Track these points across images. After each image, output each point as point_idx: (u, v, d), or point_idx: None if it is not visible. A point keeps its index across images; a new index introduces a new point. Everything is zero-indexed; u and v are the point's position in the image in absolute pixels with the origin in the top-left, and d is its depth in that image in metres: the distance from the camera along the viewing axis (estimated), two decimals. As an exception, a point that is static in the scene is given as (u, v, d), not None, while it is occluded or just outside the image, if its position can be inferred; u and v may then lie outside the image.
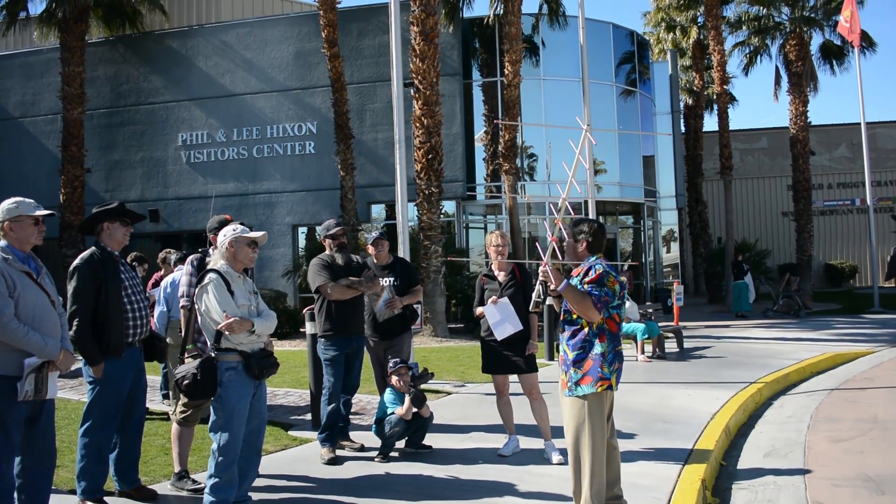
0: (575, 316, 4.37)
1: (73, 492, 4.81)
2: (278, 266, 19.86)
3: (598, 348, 4.30)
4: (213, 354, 4.49)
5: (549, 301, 4.47)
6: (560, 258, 4.57)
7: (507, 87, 17.45)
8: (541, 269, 4.39)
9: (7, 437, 3.93)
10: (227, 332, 4.38)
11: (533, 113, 20.77)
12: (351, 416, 6.56)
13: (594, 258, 4.46)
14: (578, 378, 4.30)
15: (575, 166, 4.87)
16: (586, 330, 4.34)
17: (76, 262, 4.72)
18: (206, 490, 4.44)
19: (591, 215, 12.67)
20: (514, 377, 6.03)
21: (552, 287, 4.32)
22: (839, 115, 72.79)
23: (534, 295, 4.46)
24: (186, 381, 4.44)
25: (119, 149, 21.80)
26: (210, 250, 5.27)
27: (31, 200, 4.23)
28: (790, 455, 6.24)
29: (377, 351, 6.51)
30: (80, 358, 4.66)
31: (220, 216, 5.47)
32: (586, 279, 4.33)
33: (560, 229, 4.75)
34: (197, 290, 4.57)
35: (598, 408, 4.29)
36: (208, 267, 4.63)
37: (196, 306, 4.60)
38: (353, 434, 6.40)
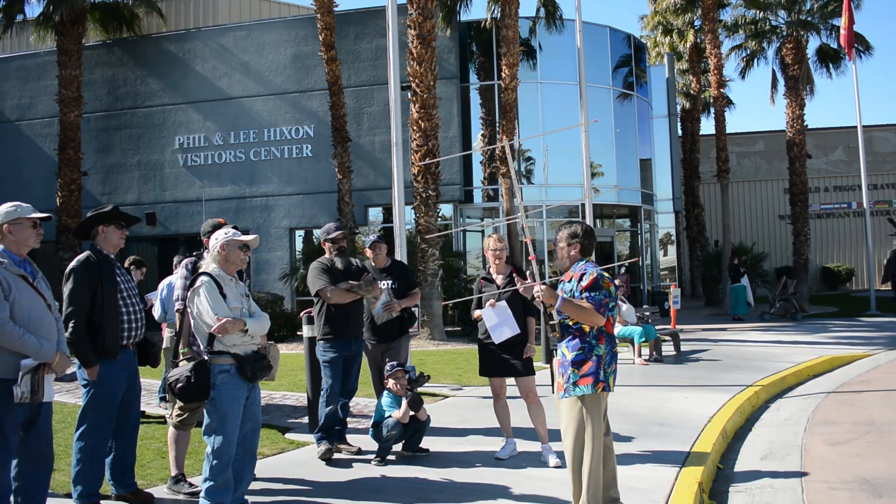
0: (573, 322, 4.37)
1: (69, 495, 4.80)
2: (275, 269, 19.86)
3: (598, 350, 4.32)
4: (206, 357, 4.49)
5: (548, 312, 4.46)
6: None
7: (505, 91, 17.48)
8: (535, 291, 4.38)
9: (4, 441, 3.93)
10: (219, 335, 4.38)
11: (530, 116, 20.80)
12: (348, 420, 6.56)
13: (584, 261, 4.46)
14: (577, 379, 4.30)
15: (515, 180, 4.92)
16: (587, 331, 4.35)
17: (72, 264, 4.73)
18: (202, 493, 4.43)
19: (588, 219, 12.67)
20: (511, 380, 6.03)
21: (549, 307, 4.33)
22: (836, 119, 73.25)
23: (544, 318, 4.47)
24: (180, 385, 4.43)
25: (116, 152, 21.79)
26: (204, 253, 5.27)
27: (28, 205, 4.28)
28: (787, 458, 6.24)
29: (375, 354, 6.50)
30: (76, 361, 4.66)
31: (213, 220, 5.48)
32: (582, 284, 4.33)
33: (530, 249, 4.80)
34: (189, 293, 4.57)
35: (595, 409, 4.30)
36: (200, 270, 4.63)
37: (188, 309, 4.61)
38: (350, 437, 6.39)
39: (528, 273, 4.71)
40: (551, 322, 4.40)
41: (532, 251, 4.78)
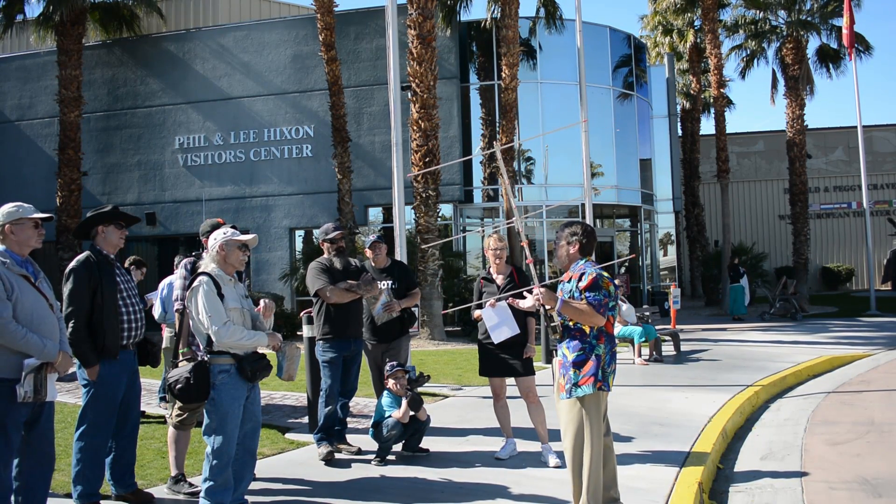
0: (573, 323, 4.37)
1: (69, 495, 4.80)
2: (275, 269, 19.86)
3: (598, 350, 4.33)
4: (205, 358, 4.49)
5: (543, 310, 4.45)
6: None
7: (505, 91, 17.47)
8: (534, 294, 4.38)
9: (6, 440, 3.93)
10: (267, 316, 4.70)
11: (530, 116, 20.80)
12: (348, 420, 6.56)
13: (584, 261, 4.46)
14: (578, 379, 4.30)
15: (506, 188, 4.91)
16: (587, 332, 4.35)
17: (72, 264, 4.73)
18: (202, 493, 4.43)
19: (588, 219, 12.67)
20: (511, 380, 6.03)
21: (549, 309, 4.34)
22: (836, 119, 73.23)
23: (545, 320, 4.47)
24: (179, 385, 4.44)
25: (116, 152, 21.79)
26: (203, 254, 5.28)
27: (30, 205, 4.29)
28: (787, 458, 6.24)
29: (375, 354, 6.50)
30: (76, 361, 4.66)
31: (212, 219, 5.48)
32: (581, 284, 4.33)
33: (527, 252, 4.80)
34: (188, 293, 4.57)
35: (595, 409, 4.30)
36: (199, 270, 4.64)
37: (188, 309, 4.61)
38: (350, 437, 6.39)
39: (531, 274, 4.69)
40: (553, 324, 4.40)
41: (528, 255, 4.78)
